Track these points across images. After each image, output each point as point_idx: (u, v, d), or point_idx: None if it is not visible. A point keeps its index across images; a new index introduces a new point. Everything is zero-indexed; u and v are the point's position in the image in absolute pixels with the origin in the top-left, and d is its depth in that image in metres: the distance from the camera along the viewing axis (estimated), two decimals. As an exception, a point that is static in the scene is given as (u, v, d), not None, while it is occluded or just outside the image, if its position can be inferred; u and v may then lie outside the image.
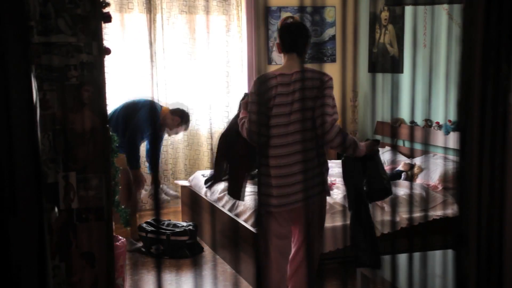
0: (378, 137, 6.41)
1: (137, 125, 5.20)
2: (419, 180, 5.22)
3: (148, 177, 5.85)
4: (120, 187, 5.32)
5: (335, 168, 5.18)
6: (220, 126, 6.70)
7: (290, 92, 3.27)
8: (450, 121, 5.34)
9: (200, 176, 5.72)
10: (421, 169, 5.34)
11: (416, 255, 2.60)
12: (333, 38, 6.94)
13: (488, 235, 1.19)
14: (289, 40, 3.41)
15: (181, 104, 5.64)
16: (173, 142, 6.53)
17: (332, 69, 6.77)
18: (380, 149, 6.26)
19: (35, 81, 1.24)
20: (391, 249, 3.86)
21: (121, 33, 6.24)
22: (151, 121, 5.25)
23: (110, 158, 2.92)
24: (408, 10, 6.08)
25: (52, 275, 2.68)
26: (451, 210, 4.68)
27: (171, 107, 5.49)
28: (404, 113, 6.15)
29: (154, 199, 5.62)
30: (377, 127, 6.66)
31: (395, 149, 6.17)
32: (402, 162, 5.59)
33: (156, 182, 4.06)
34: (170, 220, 5.35)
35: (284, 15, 6.75)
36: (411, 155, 5.91)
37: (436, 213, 4.68)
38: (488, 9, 1.17)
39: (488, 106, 1.19)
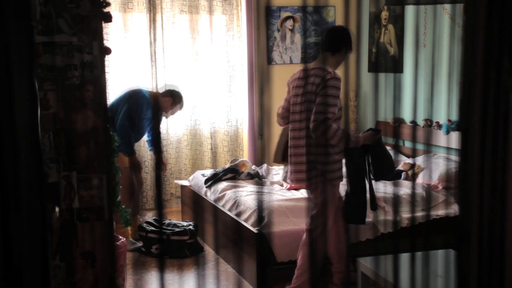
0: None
1: (125, 113, 5.20)
2: (419, 180, 5.22)
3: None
4: (121, 187, 5.34)
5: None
6: (221, 125, 6.70)
7: (302, 86, 3.79)
8: (450, 120, 5.34)
9: (200, 176, 5.72)
10: (421, 169, 5.34)
11: (417, 255, 2.60)
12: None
13: (490, 234, 1.19)
14: (324, 40, 3.86)
15: (170, 85, 5.60)
16: (173, 142, 6.53)
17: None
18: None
19: (36, 81, 1.24)
20: (391, 249, 3.86)
21: (121, 33, 6.24)
22: (140, 106, 5.23)
23: (111, 158, 2.92)
24: (408, 9, 6.07)
25: (52, 274, 2.68)
26: (452, 210, 4.68)
27: (161, 91, 5.46)
28: (404, 113, 6.14)
29: (157, 197, 5.61)
30: (377, 126, 6.66)
31: (395, 148, 6.17)
32: (402, 161, 5.59)
33: (158, 170, 4.09)
34: (170, 219, 5.36)
35: (284, 15, 6.75)
36: (411, 154, 5.91)
37: (437, 212, 4.68)
38: (490, 8, 1.17)
39: (489, 106, 1.19)
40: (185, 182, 6.04)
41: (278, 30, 6.75)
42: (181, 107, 5.53)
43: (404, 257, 2.87)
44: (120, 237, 3.83)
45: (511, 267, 1.19)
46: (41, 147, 1.11)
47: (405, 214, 4.60)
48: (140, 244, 5.19)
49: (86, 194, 2.72)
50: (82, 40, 2.67)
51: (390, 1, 5.76)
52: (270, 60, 6.76)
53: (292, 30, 6.80)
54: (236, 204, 4.83)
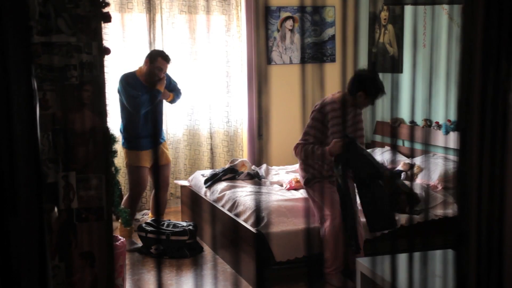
0: (375, 137, 6.40)
1: (121, 106, 5.14)
2: (418, 180, 5.22)
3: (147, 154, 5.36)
4: (128, 187, 5.31)
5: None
6: (220, 126, 6.70)
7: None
8: (449, 121, 5.34)
9: (200, 176, 5.72)
10: (420, 169, 5.34)
11: (416, 255, 2.60)
12: (332, 38, 6.94)
13: (488, 234, 1.20)
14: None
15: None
16: (173, 142, 6.53)
17: (331, 69, 6.78)
18: (380, 149, 6.29)
19: (34, 81, 1.24)
20: (391, 249, 3.86)
21: (121, 33, 6.24)
22: (122, 89, 5.09)
23: (110, 158, 2.92)
24: (408, 10, 6.08)
25: (51, 275, 2.68)
26: (451, 210, 4.68)
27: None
28: (404, 113, 6.15)
29: (155, 196, 5.58)
30: (376, 127, 6.66)
31: (394, 149, 6.17)
32: (402, 162, 5.59)
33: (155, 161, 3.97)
34: (170, 220, 5.35)
35: (284, 15, 6.75)
36: (410, 155, 5.91)
37: (436, 212, 4.68)
38: (488, 8, 1.17)
39: (488, 106, 1.19)
40: (184, 182, 6.04)
41: (278, 30, 6.75)
42: (166, 60, 5.11)
43: (404, 258, 2.87)
44: (120, 237, 3.83)
45: (509, 267, 1.19)
46: (39, 147, 1.10)
47: (404, 214, 4.60)
48: (139, 244, 5.18)
49: (85, 194, 2.72)
50: (81, 40, 2.67)
51: (389, 1, 5.76)
52: (269, 60, 6.76)
53: (292, 30, 6.80)
54: (235, 204, 4.83)
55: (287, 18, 6.77)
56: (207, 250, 5.17)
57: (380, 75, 6.58)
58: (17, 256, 0.81)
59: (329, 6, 6.84)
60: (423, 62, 5.89)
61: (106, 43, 2.87)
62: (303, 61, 6.79)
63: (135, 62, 6.18)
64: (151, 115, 5.09)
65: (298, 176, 4.89)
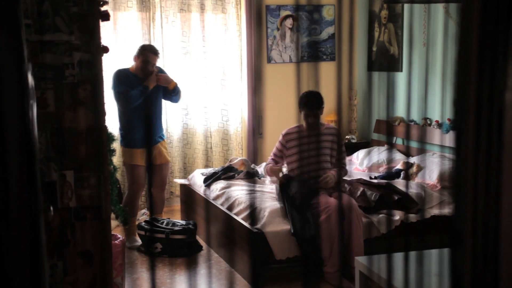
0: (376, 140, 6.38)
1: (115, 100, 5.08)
2: (417, 179, 5.21)
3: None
4: (128, 185, 5.29)
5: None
6: (220, 124, 6.70)
7: None
8: (449, 119, 5.34)
9: (199, 175, 5.72)
10: (420, 168, 5.33)
11: (417, 254, 2.60)
12: (332, 36, 6.93)
13: (484, 233, 1.19)
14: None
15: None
16: (173, 141, 6.53)
17: (331, 68, 6.78)
18: (379, 147, 6.28)
19: (31, 79, 1.24)
20: (390, 249, 3.86)
21: (120, 32, 6.23)
22: (113, 85, 5.02)
23: (108, 156, 2.92)
24: (408, 8, 6.07)
25: (49, 274, 2.67)
26: (450, 209, 4.68)
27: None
28: (403, 112, 6.14)
29: (148, 193, 5.56)
30: (376, 125, 6.65)
31: (393, 147, 6.17)
32: (401, 161, 5.58)
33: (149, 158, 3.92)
34: (169, 218, 5.35)
35: (284, 13, 6.75)
36: (410, 153, 5.90)
37: (435, 212, 4.67)
38: (485, 6, 1.17)
39: (484, 105, 1.18)
40: (184, 181, 6.03)
41: (278, 29, 6.75)
42: (152, 54, 5.06)
43: (404, 256, 2.86)
44: (119, 236, 3.83)
45: (505, 266, 1.19)
46: (37, 145, 1.10)
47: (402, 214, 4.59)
48: (139, 243, 5.18)
49: (83, 193, 2.72)
50: (79, 38, 2.66)
51: (388, -1, 5.76)
52: (269, 59, 6.76)
53: (291, 29, 6.79)
54: (235, 203, 4.82)
55: (287, 16, 6.76)
56: (206, 249, 5.17)
57: (380, 73, 6.60)
58: (6, 256, 0.81)
59: (329, 5, 6.83)
60: (423, 61, 5.88)
61: (104, 41, 2.87)
62: (302, 60, 6.79)
63: (130, 60, 6.17)
64: (144, 112, 5.05)
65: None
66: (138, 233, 5.13)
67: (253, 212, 4.54)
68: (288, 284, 4.30)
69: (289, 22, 6.78)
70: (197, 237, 5.23)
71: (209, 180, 5.46)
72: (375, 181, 5.09)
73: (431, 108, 5.71)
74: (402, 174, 5.33)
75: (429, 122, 5.67)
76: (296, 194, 4.40)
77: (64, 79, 2.66)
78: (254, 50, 6.64)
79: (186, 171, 6.53)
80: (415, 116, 5.84)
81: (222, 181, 5.40)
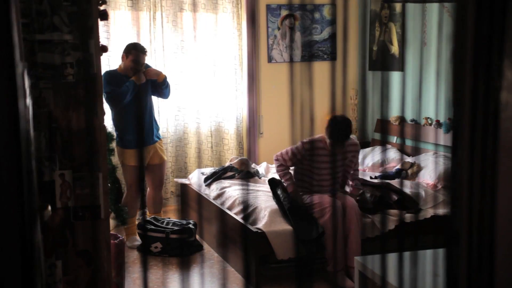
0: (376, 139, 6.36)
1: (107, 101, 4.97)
2: (418, 179, 5.21)
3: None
4: (126, 185, 5.28)
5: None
6: (221, 123, 6.69)
7: None
8: (450, 119, 5.33)
9: (200, 174, 5.72)
10: (420, 168, 5.32)
11: (417, 253, 2.59)
12: (332, 36, 6.92)
13: (479, 233, 1.19)
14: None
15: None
16: (173, 140, 6.52)
17: (331, 67, 6.76)
18: (380, 147, 6.27)
19: (28, 78, 1.24)
20: (390, 248, 3.85)
21: (119, 32, 6.23)
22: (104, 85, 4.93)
23: (107, 156, 2.91)
24: (409, 8, 6.06)
25: (48, 273, 2.67)
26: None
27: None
28: (404, 111, 6.13)
29: (140, 189, 5.50)
30: (377, 125, 6.64)
31: (394, 147, 6.16)
32: (402, 160, 5.57)
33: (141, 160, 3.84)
34: (169, 218, 5.35)
35: (284, 13, 6.74)
36: (411, 153, 5.89)
37: (435, 211, 4.67)
38: (479, 5, 1.17)
39: (479, 104, 1.18)
40: (185, 181, 6.03)
41: (279, 28, 6.74)
42: (140, 53, 4.98)
43: (404, 256, 2.86)
44: (119, 235, 3.83)
45: (500, 266, 1.18)
46: (28, 144, 1.10)
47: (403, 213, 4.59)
48: (139, 242, 5.18)
49: (82, 192, 2.71)
50: (77, 38, 2.66)
51: (388, -2, 5.75)
52: (270, 58, 6.75)
53: (292, 28, 6.78)
54: (235, 202, 4.82)
55: (287, 16, 6.75)
56: (207, 248, 5.17)
57: (381, 73, 6.59)
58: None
59: (330, 4, 6.82)
60: (423, 60, 5.87)
61: (103, 41, 2.86)
62: (303, 59, 6.78)
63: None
64: (136, 111, 5.00)
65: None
66: (138, 232, 5.13)
67: (254, 212, 4.54)
68: (288, 284, 4.30)
69: (289, 22, 6.77)
70: (197, 237, 5.23)
71: (210, 179, 5.45)
72: (375, 181, 5.08)
73: (431, 108, 5.70)
74: (402, 173, 5.32)
75: (430, 121, 5.66)
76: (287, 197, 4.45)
77: (63, 79, 2.66)
78: (255, 50, 6.64)
79: (187, 171, 6.53)
80: (415, 115, 5.83)
81: (222, 180, 5.39)
